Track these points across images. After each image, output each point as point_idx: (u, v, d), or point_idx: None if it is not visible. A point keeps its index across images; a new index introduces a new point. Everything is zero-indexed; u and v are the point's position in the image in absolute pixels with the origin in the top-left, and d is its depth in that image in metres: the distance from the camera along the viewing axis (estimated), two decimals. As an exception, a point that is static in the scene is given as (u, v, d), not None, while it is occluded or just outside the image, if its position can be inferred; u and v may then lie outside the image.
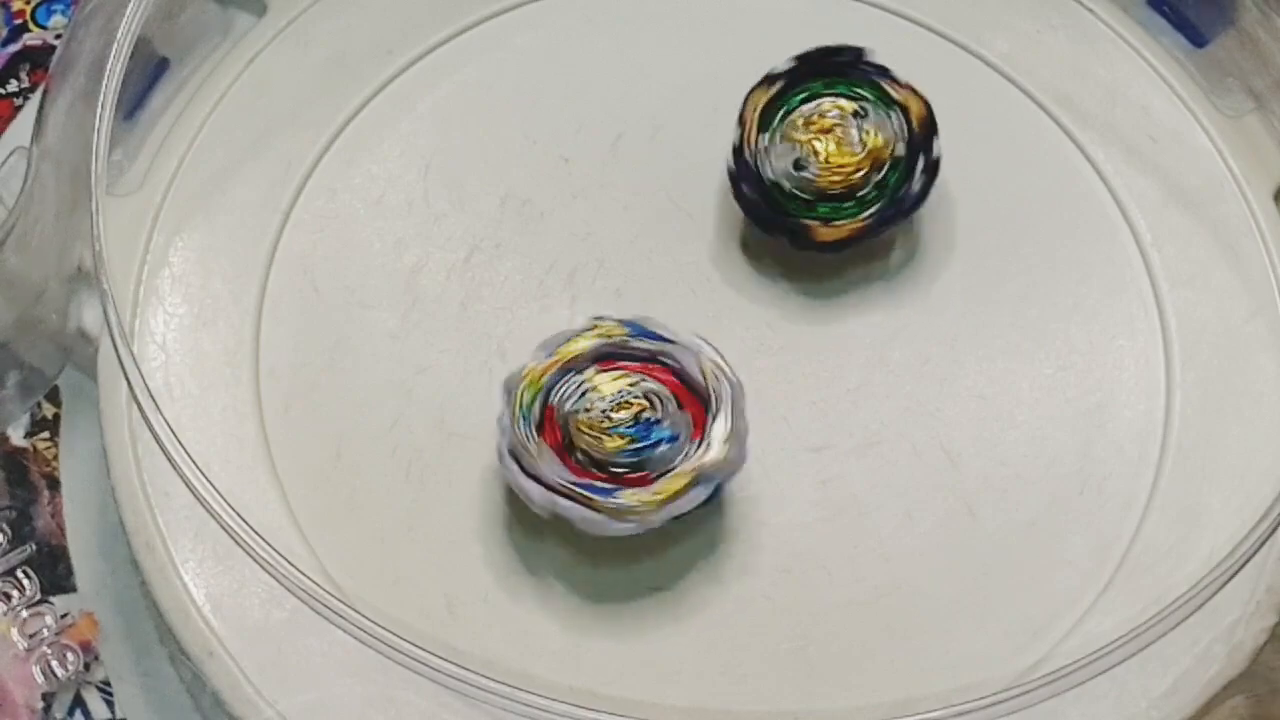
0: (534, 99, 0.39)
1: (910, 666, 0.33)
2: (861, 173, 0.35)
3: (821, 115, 0.35)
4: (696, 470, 0.32)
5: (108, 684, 0.38)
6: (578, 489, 0.32)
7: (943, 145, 0.37)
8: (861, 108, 0.35)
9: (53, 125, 0.36)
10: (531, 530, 0.34)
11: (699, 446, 0.32)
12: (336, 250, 0.37)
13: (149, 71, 0.38)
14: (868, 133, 0.35)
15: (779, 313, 0.37)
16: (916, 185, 0.36)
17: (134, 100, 0.38)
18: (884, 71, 0.36)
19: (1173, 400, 0.36)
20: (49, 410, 0.41)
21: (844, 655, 0.33)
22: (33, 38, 0.47)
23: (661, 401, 0.32)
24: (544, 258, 0.37)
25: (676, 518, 0.32)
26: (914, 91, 0.36)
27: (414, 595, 0.33)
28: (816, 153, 0.35)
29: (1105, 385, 0.36)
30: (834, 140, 0.35)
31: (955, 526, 0.35)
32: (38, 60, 0.47)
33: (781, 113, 0.36)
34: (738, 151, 0.36)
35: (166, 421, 0.32)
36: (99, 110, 0.35)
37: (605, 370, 0.33)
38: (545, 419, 0.32)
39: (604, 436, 0.32)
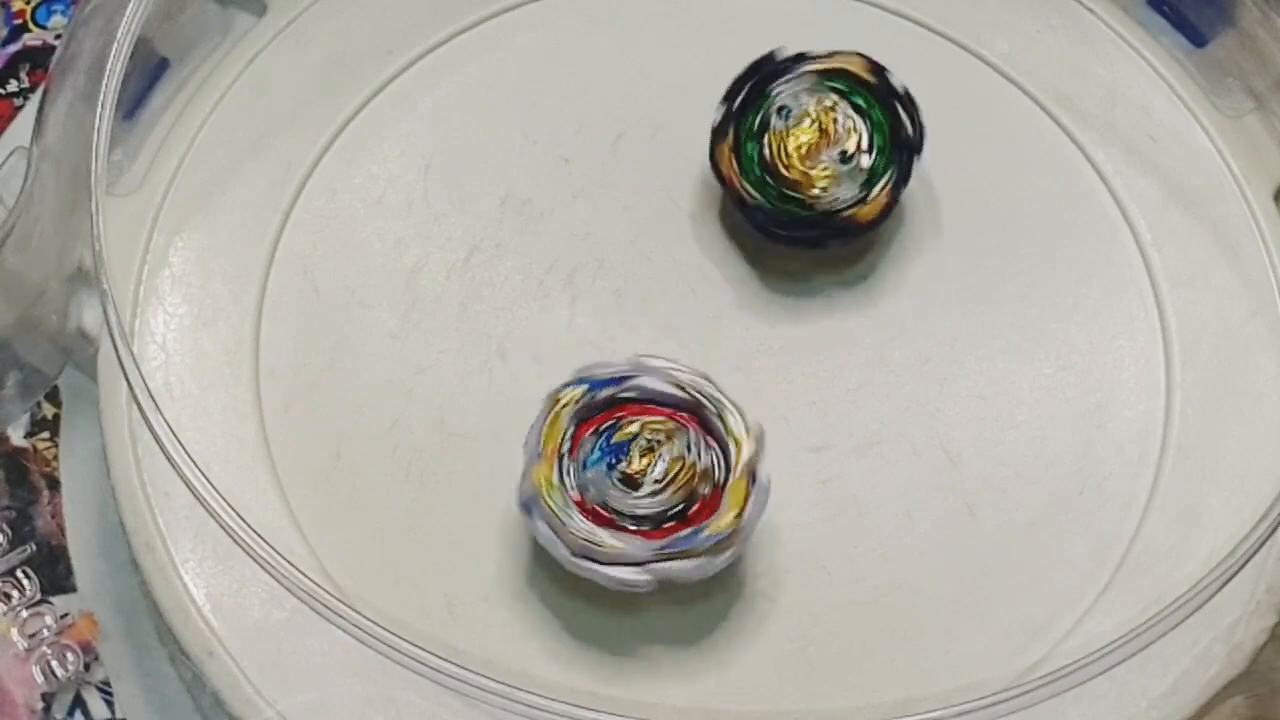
0: (534, 99, 0.39)
1: (910, 666, 0.33)
2: (821, 147, 0.35)
3: (788, 139, 0.35)
4: (744, 468, 0.32)
5: (108, 684, 0.38)
6: (671, 549, 0.31)
7: (942, 145, 0.37)
8: (779, 109, 0.36)
9: (53, 125, 0.36)
10: (531, 530, 0.34)
11: (727, 448, 0.32)
12: (336, 250, 0.37)
13: (149, 71, 0.38)
14: (806, 113, 0.35)
15: (779, 312, 0.37)
16: (907, 121, 0.36)
17: (134, 100, 0.38)
18: (803, 58, 0.36)
19: (1173, 400, 0.36)
20: (49, 410, 0.41)
21: (844, 655, 0.33)
22: (33, 38, 0.47)
23: (667, 428, 0.32)
24: (544, 258, 0.37)
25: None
26: (837, 52, 0.36)
27: (414, 595, 0.33)
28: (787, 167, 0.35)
29: (1105, 385, 0.36)
30: (796, 137, 0.35)
31: (955, 526, 0.35)
32: (38, 60, 0.47)
33: (753, 146, 0.36)
34: (742, 206, 0.36)
35: (166, 421, 0.32)
36: (99, 110, 0.35)
37: (594, 432, 0.32)
38: (581, 509, 0.32)
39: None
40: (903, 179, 0.36)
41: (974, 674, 0.33)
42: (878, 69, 0.36)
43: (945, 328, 0.37)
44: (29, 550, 0.39)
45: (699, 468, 0.32)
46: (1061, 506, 0.35)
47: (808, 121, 0.35)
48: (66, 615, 0.38)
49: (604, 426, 0.32)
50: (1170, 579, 0.34)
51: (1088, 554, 0.34)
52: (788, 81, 0.36)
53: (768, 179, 0.35)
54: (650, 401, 0.32)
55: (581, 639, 0.33)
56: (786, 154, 0.35)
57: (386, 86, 0.39)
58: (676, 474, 0.32)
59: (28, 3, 0.48)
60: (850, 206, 0.35)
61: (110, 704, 0.38)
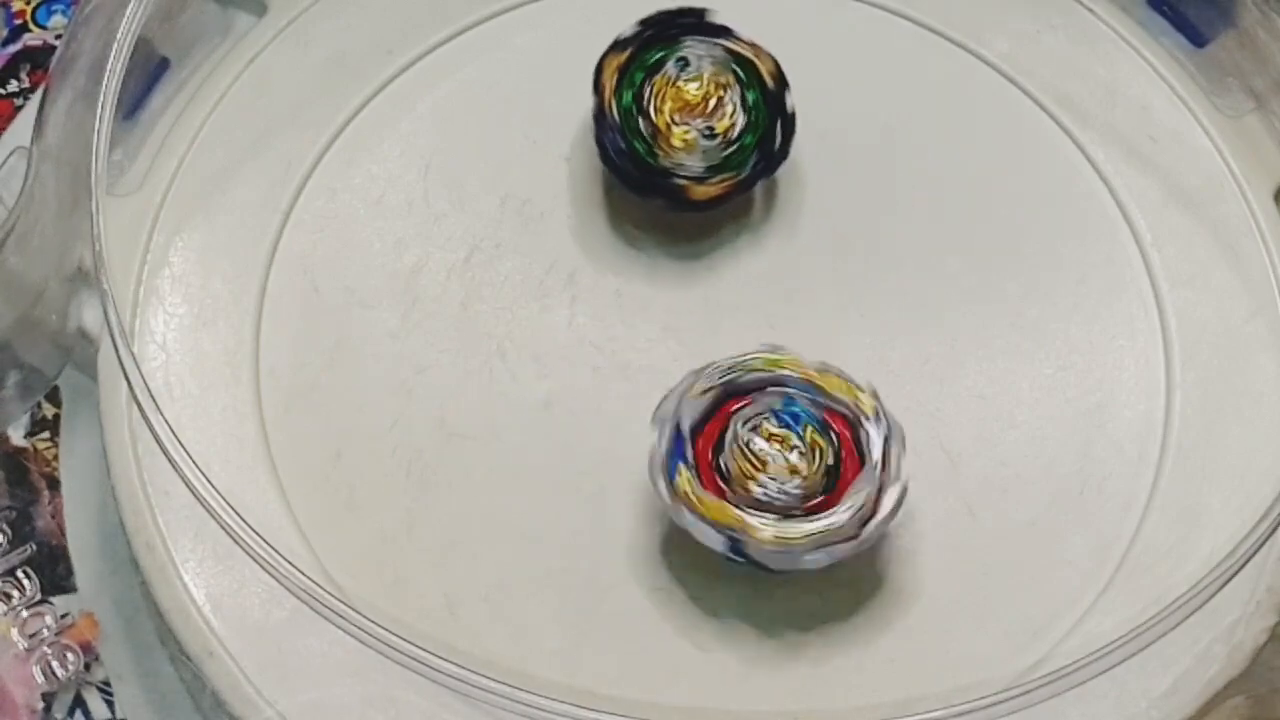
0: (534, 99, 0.39)
1: (910, 666, 0.33)
2: (696, 112, 0.35)
3: (666, 89, 0.36)
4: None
5: (108, 684, 0.38)
6: (833, 535, 0.32)
7: (943, 145, 0.37)
8: (681, 58, 0.36)
9: (53, 125, 0.36)
10: (531, 530, 0.34)
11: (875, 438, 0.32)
12: (336, 250, 0.37)
13: (149, 71, 0.38)
14: (700, 76, 0.36)
15: (780, 312, 0.37)
16: (779, 138, 0.36)
17: (134, 100, 0.38)
18: (726, 32, 0.36)
19: (1173, 400, 0.36)
20: (49, 410, 0.41)
21: (844, 655, 0.33)
22: (33, 38, 0.47)
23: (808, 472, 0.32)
24: (544, 258, 0.37)
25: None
26: (758, 48, 0.36)
27: (414, 595, 0.33)
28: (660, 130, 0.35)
29: (1105, 385, 0.36)
30: (681, 91, 0.36)
31: (955, 526, 0.35)
32: (38, 60, 0.47)
33: (640, 75, 0.36)
34: (599, 118, 0.36)
35: (166, 421, 0.32)
36: (99, 110, 0.35)
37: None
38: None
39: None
40: (747, 183, 0.36)
41: (974, 674, 0.33)
42: (782, 81, 0.36)
43: (945, 328, 0.37)
44: (29, 550, 0.39)
45: (751, 489, 0.32)
46: (1061, 506, 0.35)
47: (697, 85, 0.35)
48: (66, 615, 0.38)
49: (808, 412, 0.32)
50: (1170, 579, 0.34)
51: (1088, 554, 0.34)
52: (702, 43, 0.36)
53: (634, 112, 0.36)
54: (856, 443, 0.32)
55: (582, 639, 0.33)
56: (662, 100, 0.35)
57: (386, 86, 0.39)
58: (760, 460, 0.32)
59: (28, 3, 0.48)
60: (688, 178, 0.36)
61: (110, 704, 0.38)
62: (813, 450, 0.32)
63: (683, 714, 0.33)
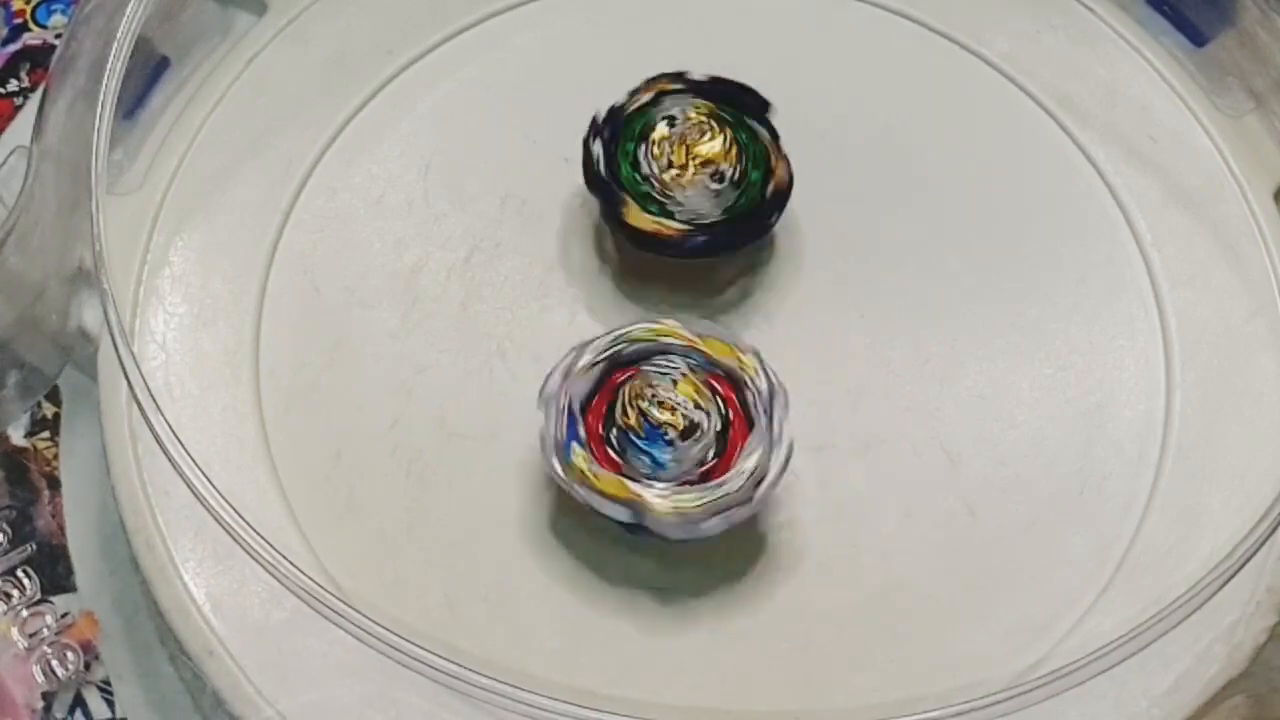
0: (534, 99, 0.39)
1: (910, 666, 0.33)
2: (730, 132, 0.35)
3: (666, 154, 0.35)
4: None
5: (108, 684, 0.38)
6: (726, 501, 0.32)
7: (943, 145, 0.37)
8: (665, 118, 0.35)
9: (53, 125, 0.36)
10: (531, 530, 0.34)
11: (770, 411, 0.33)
12: (336, 250, 0.37)
13: (149, 71, 0.38)
14: (690, 115, 0.35)
15: (780, 312, 0.37)
16: (742, 94, 0.36)
17: (134, 100, 0.38)
18: (775, 134, 0.36)
19: (1173, 400, 0.36)
20: (49, 410, 0.41)
21: (844, 655, 0.33)
22: (33, 37, 0.47)
23: (701, 436, 0.32)
24: (544, 258, 0.37)
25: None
26: (787, 162, 0.36)
27: (414, 595, 0.33)
28: (708, 160, 0.35)
29: (1105, 385, 0.36)
30: (697, 146, 0.35)
31: (955, 526, 0.35)
32: (38, 60, 0.47)
33: (647, 192, 0.35)
34: (685, 243, 0.35)
35: (166, 421, 0.32)
36: (99, 110, 0.35)
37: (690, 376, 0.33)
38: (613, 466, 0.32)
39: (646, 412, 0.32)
40: (687, 242, 0.35)
41: (974, 674, 0.33)
42: (782, 201, 0.36)
43: (945, 328, 0.37)
44: (29, 550, 0.39)
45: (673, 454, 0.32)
46: (1061, 506, 0.35)
47: (708, 136, 0.35)
48: (66, 615, 0.38)
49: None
50: (1170, 579, 0.34)
51: (1088, 554, 0.34)
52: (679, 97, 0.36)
53: (636, 179, 0.35)
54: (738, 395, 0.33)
55: (581, 639, 0.33)
56: (666, 158, 0.35)
57: (386, 86, 0.39)
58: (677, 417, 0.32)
59: (28, 2, 0.48)
60: (636, 198, 0.35)
61: (110, 703, 0.38)
62: (702, 415, 0.32)
63: (683, 714, 0.33)
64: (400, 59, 0.39)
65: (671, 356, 0.33)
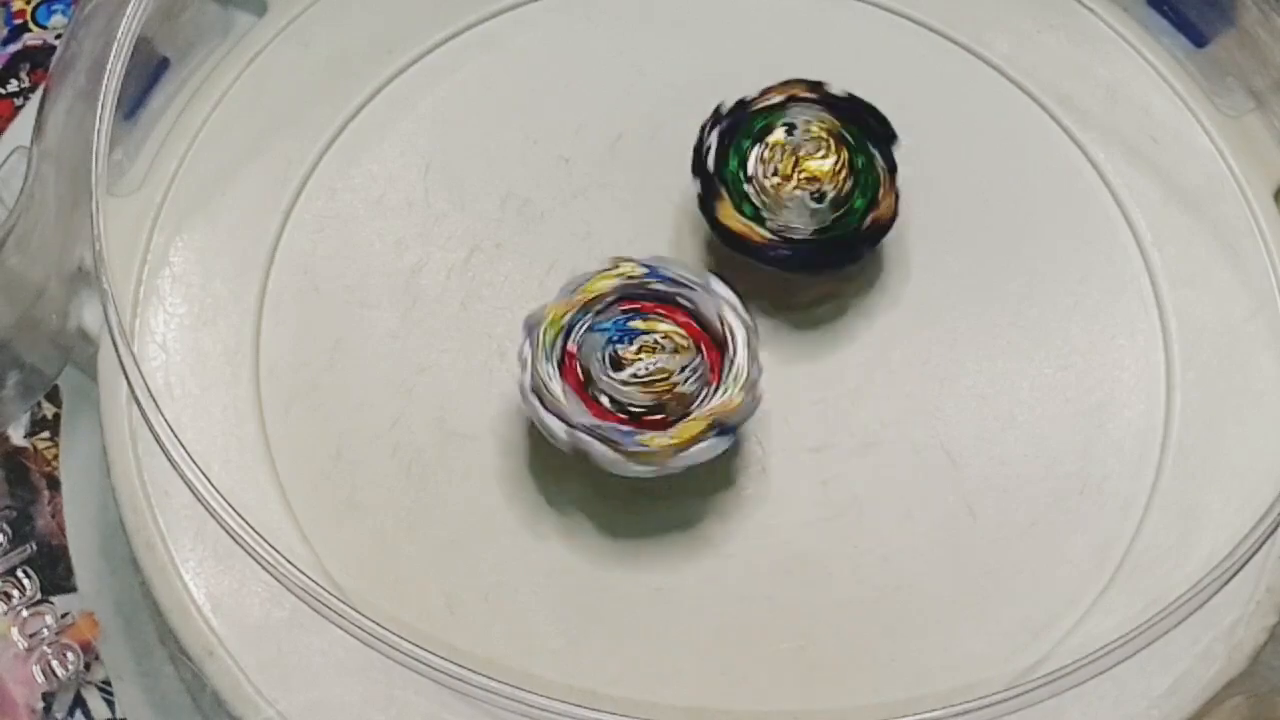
0: (534, 99, 0.39)
1: (910, 666, 0.33)
2: (845, 156, 0.35)
3: (776, 161, 0.35)
4: (712, 416, 0.33)
5: (108, 684, 0.38)
6: (599, 430, 0.32)
7: (943, 145, 0.37)
8: (785, 126, 0.35)
9: (53, 125, 0.36)
10: (532, 530, 0.34)
11: (716, 391, 0.33)
12: (336, 250, 0.37)
13: (149, 71, 0.38)
14: (812, 129, 0.35)
15: (780, 312, 0.37)
16: (871, 120, 0.36)
17: (134, 100, 0.38)
18: (741, 103, 0.36)
19: (1173, 400, 0.36)
20: (49, 410, 0.41)
21: (844, 655, 0.33)
22: (33, 38, 0.47)
23: (678, 343, 0.33)
24: (544, 258, 0.37)
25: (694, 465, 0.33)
26: (897, 197, 0.36)
27: (414, 595, 0.33)
28: (814, 178, 0.35)
29: (1105, 385, 0.36)
30: (808, 160, 0.35)
31: (955, 526, 0.35)
32: (38, 60, 0.47)
33: (749, 196, 0.35)
34: (768, 250, 0.35)
35: (167, 421, 0.32)
36: (99, 110, 0.35)
37: (626, 311, 0.33)
38: (566, 358, 0.33)
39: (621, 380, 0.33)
40: (894, 167, 0.36)
41: (974, 674, 0.33)
42: (880, 234, 0.36)
43: (945, 328, 0.37)
44: (29, 550, 0.39)
45: (679, 390, 0.33)
46: (1061, 506, 0.35)
47: (821, 153, 0.35)
48: (67, 615, 0.38)
49: (637, 310, 0.33)
50: (1170, 579, 0.34)
51: (1088, 554, 0.34)
52: (807, 107, 0.36)
53: (741, 178, 0.35)
54: (696, 318, 0.33)
55: (582, 639, 0.33)
56: (774, 165, 0.35)
57: (386, 86, 0.39)
58: (655, 382, 0.33)
59: (28, 2, 0.48)
60: (867, 209, 0.35)
61: (110, 704, 0.38)
62: (670, 339, 0.33)
63: (683, 714, 0.33)
64: (400, 59, 0.39)
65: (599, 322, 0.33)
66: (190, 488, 0.32)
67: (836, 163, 0.35)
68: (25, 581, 0.38)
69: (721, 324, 0.33)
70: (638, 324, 0.33)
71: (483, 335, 0.36)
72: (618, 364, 0.33)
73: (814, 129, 0.35)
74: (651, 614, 0.34)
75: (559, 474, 0.35)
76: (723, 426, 0.33)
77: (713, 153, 0.36)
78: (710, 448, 0.33)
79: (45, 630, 0.38)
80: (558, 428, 0.33)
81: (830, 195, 0.35)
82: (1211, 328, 0.37)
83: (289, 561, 0.31)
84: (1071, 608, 0.34)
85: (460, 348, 0.36)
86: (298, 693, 0.32)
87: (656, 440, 0.32)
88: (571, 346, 0.33)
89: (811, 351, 0.36)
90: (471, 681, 0.30)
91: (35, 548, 0.39)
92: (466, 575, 0.34)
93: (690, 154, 0.38)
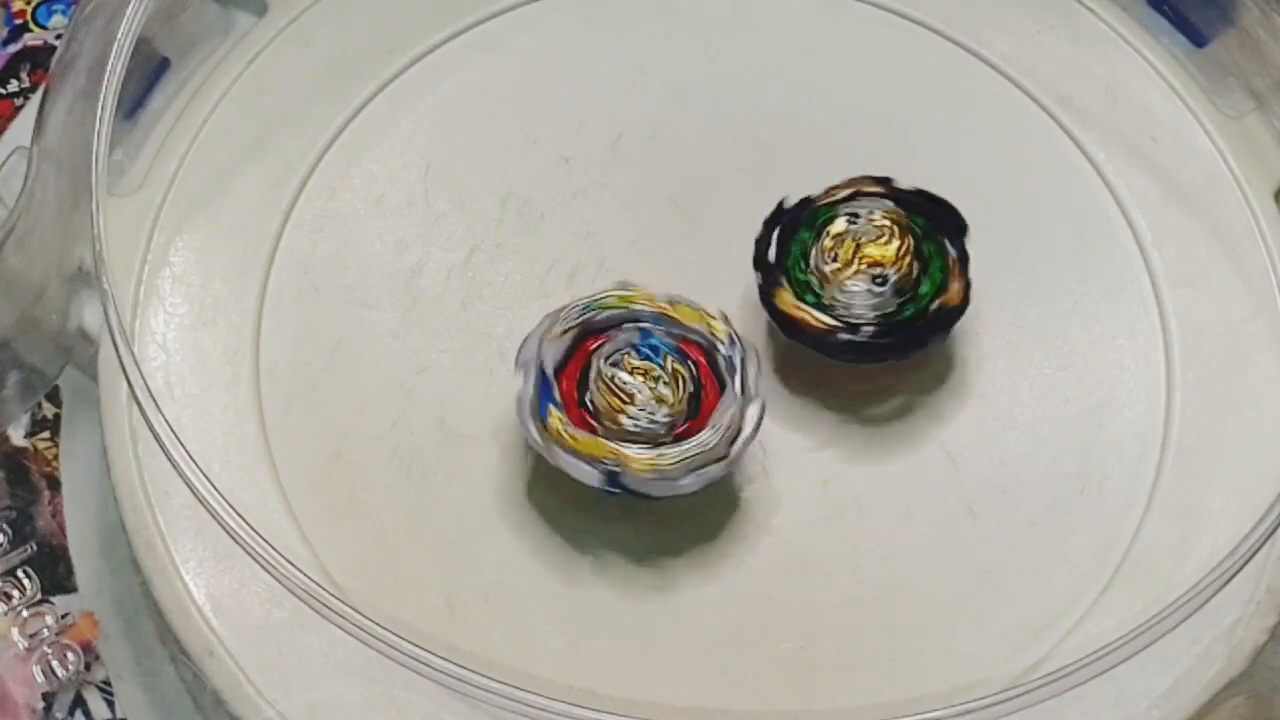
0: (534, 99, 0.39)
1: (910, 666, 0.33)
2: (910, 243, 0.34)
3: (839, 249, 0.34)
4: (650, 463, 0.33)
5: (108, 684, 0.38)
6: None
7: (943, 145, 0.37)
8: (848, 215, 0.35)
9: (53, 125, 0.36)
10: (532, 530, 0.34)
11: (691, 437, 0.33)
12: (337, 250, 0.37)
13: (149, 71, 0.38)
14: (874, 219, 0.34)
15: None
16: (939, 210, 0.35)
17: (134, 100, 0.38)
18: (806, 200, 0.35)
19: (1173, 400, 0.36)
20: (49, 410, 0.41)
21: (844, 655, 0.33)
22: (33, 38, 0.47)
23: (669, 399, 0.33)
24: (544, 258, 0.37)
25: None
26: (967, 284, 0.35)
27: (414, 595, 0.33)
28: (878, 262, 0.34)
29: (1105, 385, 0.36)
30: (871, 246, 0.34)
31: (955, 526, 0.35)
32: (38, 60, 0.47)
33: (809, 284, 0.35)
34: (828, 341, 0.34)
35: (167, 421, 0.32)
36: (99, 110, 0.35)
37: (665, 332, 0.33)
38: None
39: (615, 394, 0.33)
40: (966, 258, 0.35)
41: (974, 674, 0.33)
42: (951, 320, 0.35)
43: (945, 328, 0.37)
44: (29, 550, 0.39)
45: (621, 420, 0.32)
46: (1061, 506, 0.35)
47: (882, 238, 0.34)
48: (67, 615, 0.38)
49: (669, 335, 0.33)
50: (1170, 579, 0.34)
51: (1088, 554, 0.34)
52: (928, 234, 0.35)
53: (802, 268, 0.35)
54: (709, 362, 0.33)
55: (582, 639, 0.33)
56: (834, 253, 0.34)
57: (386, 86, 0.39)
58: (619, 398, 0.33)
59: (28, 2, 0.48)
60: (933, 296, 0.34)
61: (111, 704, 0.38)
62: (675, 378, 0.33)
63: (683, 714, 0.33)
64: (400, 59, 0.39)
65: (643, 324, 0.33)
66: (190, 488, 0.32)
67: (900, 248, 0.34)
68: (25, 581, 0.38)
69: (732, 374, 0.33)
70: (661, 344, 0.33)
71: (483, 335, 0.36)
72: (619, 363, 0.33)
73: (876, 217, 0.34)
74: (651, 614, 0.34)
75: (559, 474, 0.35)
76: (701, 471, 0.32)
77: (774, 246, 0.35)
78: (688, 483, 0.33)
79: (45, 630, 0.38)
80: (694, 478, 0.32)
81: (893, 279, 0.34)
82: (1211, 328, 0.37)
83: (289, 561, 0.31)
84: (1071, 608, 0.34)
85: (460, 348, 0.36)
86: (298, 693, 0.32)
87: (634, 463, 0.32)
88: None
89: (811, 351, 0.36)
90: (471, 681, 0.30)
91: (35, 548, 0.39)
92: (466, 575, 0.34)
93: (687, 154, 0.38)
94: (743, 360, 0.33)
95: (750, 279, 0.36)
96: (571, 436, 0.32)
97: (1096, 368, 0.36)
